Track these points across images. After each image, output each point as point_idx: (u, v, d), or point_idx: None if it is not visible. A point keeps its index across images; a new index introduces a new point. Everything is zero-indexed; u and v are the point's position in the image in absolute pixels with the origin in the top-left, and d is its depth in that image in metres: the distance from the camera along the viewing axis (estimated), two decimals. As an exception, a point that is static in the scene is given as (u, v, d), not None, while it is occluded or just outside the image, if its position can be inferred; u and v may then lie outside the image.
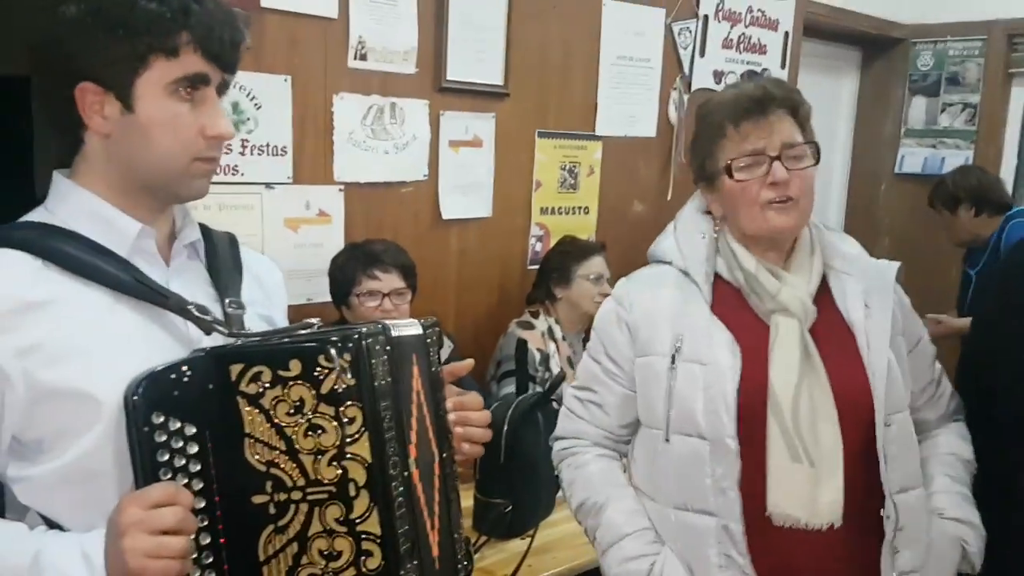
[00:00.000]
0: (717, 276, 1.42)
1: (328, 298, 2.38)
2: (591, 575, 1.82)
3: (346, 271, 2.27)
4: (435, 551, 1.10)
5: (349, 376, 1.00)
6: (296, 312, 2.34)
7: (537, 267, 2.90)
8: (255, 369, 0.99)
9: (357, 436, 1.00)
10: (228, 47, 1.04)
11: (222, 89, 1.07)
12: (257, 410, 1.00)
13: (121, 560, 0.91)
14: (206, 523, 0.99)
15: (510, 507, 1.80)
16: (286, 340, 1.04)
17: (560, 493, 1.86)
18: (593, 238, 3.21)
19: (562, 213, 3.12)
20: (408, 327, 1.12)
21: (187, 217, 1.16)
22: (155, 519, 0.92)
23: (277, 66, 2.34)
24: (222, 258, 1.20)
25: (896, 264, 1.42)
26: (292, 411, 0.99)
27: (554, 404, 1.95)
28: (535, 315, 2.75)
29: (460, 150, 2.78)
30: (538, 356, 2.63)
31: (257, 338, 1.08)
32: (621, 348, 1.47)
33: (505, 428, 1.81)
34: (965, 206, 3.22)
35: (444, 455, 1.16)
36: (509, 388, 2.58)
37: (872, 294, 1.37)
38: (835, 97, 4.39)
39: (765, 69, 3.68)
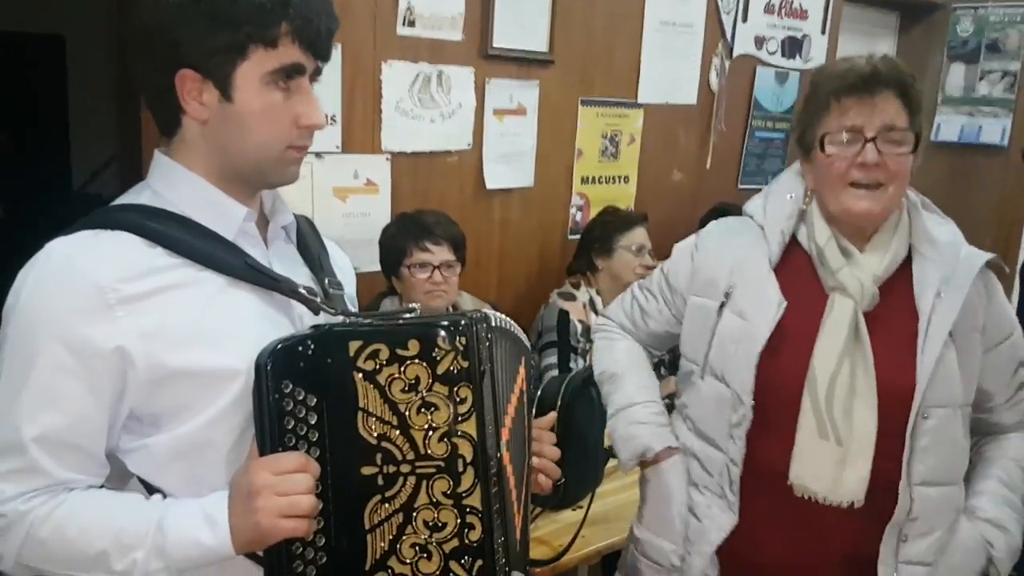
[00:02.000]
0: (796, 241, 1.43)
1: (376, 267, 2.39)
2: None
3: (397, 241, 2.28)
4: (517, 533, 1.14)
5: (463, 359, 1.03)
6: None
7: (577, 237, 2.90)
8: (374, 347, 1.02)
9: (467, 416, 1.04)
10: (324, 36, 1.04)
11: (315, 76, 1.08)
12: (372, 385, 1.03)
13: (252, 520, 0.96)
14: (319, 490, 1.02)
15: (563, 480, 1.82)
16: (399, 322, 1.08)
17: (609, 464, 1.93)
18: (632, 208, 3.20)
19: (602, 182, 3.11)
20: (509, 325, 1.17)
21: (278, 200, 1.17)
22: (288, 483, 0.96)
23: (329, 34, 2.32)
24: (311, 240, 1.23)
25: (986, 256, 1.37)
26: (407, 388, 1.03)
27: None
28: (576, 286, 2.76)
29: (504, 119, 2.77)
30: (580, 327, 2.64)
31: (366, 319, 1.11)
32: (680, 279, 1.55)
33: (559, 402, 1.82)
34: None
35: (527, 449, 1.22)
36: (551, 359, 2.60)
37: (949, 283, 1.33)
38: (872, 62, 4.32)
39: (805, 35, 3.63)
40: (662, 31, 3.11)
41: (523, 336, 1.23)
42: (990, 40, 4.20)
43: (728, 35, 3.31)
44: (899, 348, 1.32)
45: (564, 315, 2.65)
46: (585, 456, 1.91)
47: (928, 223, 1.40)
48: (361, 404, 1.03)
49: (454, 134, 2.65)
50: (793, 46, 3.58)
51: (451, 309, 2.36)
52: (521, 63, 2.75)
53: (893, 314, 1.35)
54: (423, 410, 1.03)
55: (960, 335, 1.32)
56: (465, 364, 1.02)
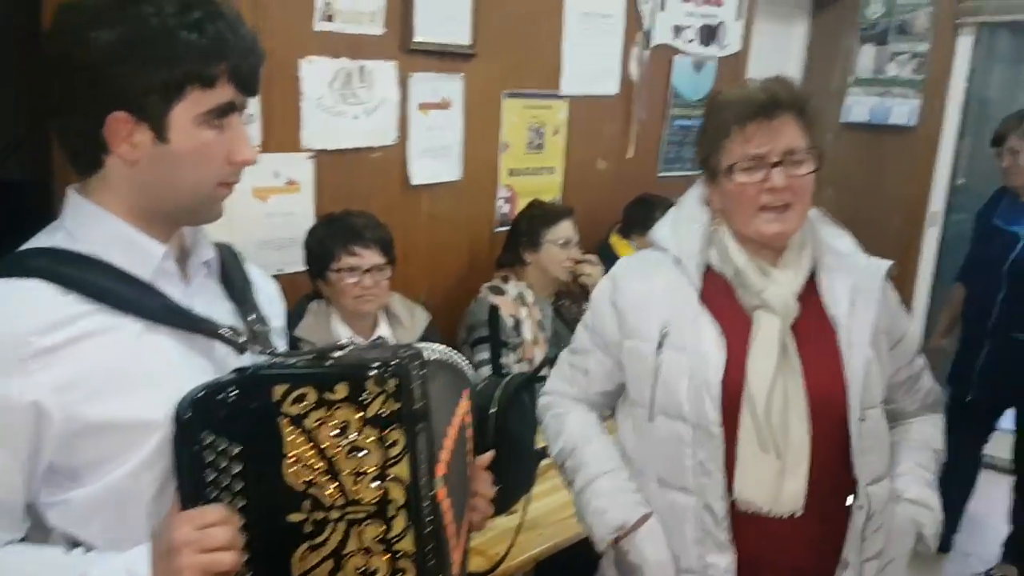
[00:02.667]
0: (708, 266, 1.47)
1: (301, 268, 2.35)
2: (577, 547, 1.90)
3: (325, 245, 2.24)
4: (455, 568, 1.14)
5: (394, 401, 1.02)
6: None
7: (506, 229, 2.91)
8: (300, 390, 1.00)
9: (399, 459, 1.03)
10: (256, 73, 1.02)
11: (243, 110, 1.05)
12: (299, 430, 1.01)
13: None
14: (244, 540, 1.00)
15: (497, 487, 1.84)
16: (328, 362, 1.05)
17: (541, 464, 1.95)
18: (559, 198, 3.23)
19: (529, 174, 3.11)
20: (447, 356, 1.16)
21: (199, 233, 1.14)
22: (209, 538, 0.94)
23: (244, 32, 2.25)
24: (234, 273, 1.19)
25: (887, 263, 1.46)
26: (336, 433, 1.01)
27: (539, 386, 1.98)
28: (505, 280, 2.77)
29: (429, 113, 2.74)
30: (510, 322, 2.66)
31: (293, 358, 1.08)
32: (607, 327, 1.54)
33: (492, 411, 1.83)
34: None
35: (466, 479, 1.23)
36: (483, 354, 2.61)
37: (859, 292, 1.40)
38: (785, 46, 4.41)
39: (721, 22, 3.68)
40: (583, 22, 3.11)
41: (463, 364, 1.22)
42: (899, 22, 4.33)
43: (647, 24, 3.34)
44: (823, 357, 1.38)
45: (494, 310, 2.66)
46: (519, 461, 1.92)
47: (827, 236, 1.47)
48: (287, 450, 1.00)
49: (378, 130, 2.61)
50: (709, 33, 3.63)
51: (382, 312, 2.34)
52: (444, 56, 2.72)
53: (811, 325, 1.40)
54: (352, 454, 1.01)
55: (876, 340, 1.40)
56: (396, 406, 1.00)
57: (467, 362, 1.24)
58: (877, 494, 1.39)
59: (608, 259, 3.18)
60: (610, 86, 3.31)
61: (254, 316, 1.15)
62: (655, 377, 1.44)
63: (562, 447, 1.62)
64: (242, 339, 1.07)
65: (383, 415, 1.01)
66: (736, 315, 1.42)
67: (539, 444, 2.03)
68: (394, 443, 1.02)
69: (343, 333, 2.27)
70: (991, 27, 4.12)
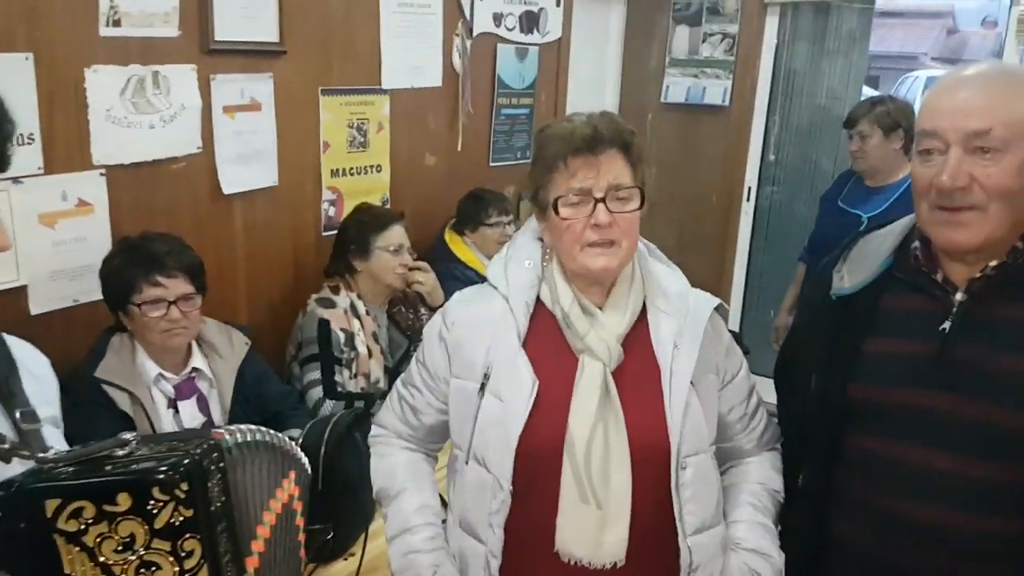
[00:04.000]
0: (540, 301, 1.42)
1: (99, 296, 2.12)
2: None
3: (123, 276, 2.02)
4: None
5: (185, 508, 0.91)
6: (63, 316, 2.12)
7: (333, 233, 2.76)
8: (75, 504, 0.89)
9: (197, 568, 0.94)
10: (3, 145, 0.87)
11: None
12: (78, 548, 0.90)
13: None
14: None
15: (331, 533, 1.74)
16: (107, 467, 0.93)
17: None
18: (388, 196, 3.11)
19: (354, 174, 2.97)
20: (260, 437, 1.09)
21: None
22: None
23: (16, 43, 1.99)
24: None
25: (714, 302, 1.43)
26: (121, 548, 0.91)
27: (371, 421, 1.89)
28: (335, 290, 2.63)
29: (236, 116, 2.54)
30: (342, 336, 2.53)
31: (67, 462, 0.95)
32: (438, 364, 1.48)
33: (322, 452, 1.72)
34: (899, 133, 2.93)
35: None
36: (314, 374, 2.47)
37: (684, 334, 1.37)
38: (605, 29, 4.45)
39: (542, 8, 3.65)
40: (400, 13, 2.98)
41: (284, 442, 1.12)
42: (711, 3, 4.46)
43: (467, 14, 3.25)
44: (647, 403, 1.35)
45: (324, 324, 2.52)
46: (355, 503, 1.83)
47: (659, 274, 1.44)
48: (67, 570, 0.90)
49: (180, 138, 2.39)
50: (531, 20, 3.59)
51: (196, 343, 2.15)
52: (250, 55, 2.52)
53: (637, 369, 1.37)
54: (143, 570, 0.91)
55: (699, 381, 1.37)
56: (189, 513, 0.91)
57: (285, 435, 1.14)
58: (702, 544, 1.36)
59: (443, 256, 3.11)
60: (433, 78, 3.20)
61: (21, 412, 0.99)
62: (475, 421, 1.39)
63: (379, 490, 1.56)
64: (5, 446, 0.93)
65: (175, 524, 0.91)
66: (564, 356, 1.38)
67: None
68: (190, 553, 0.92)
69: (151, 370, 2.07)
70: (795, 6, 4.32)
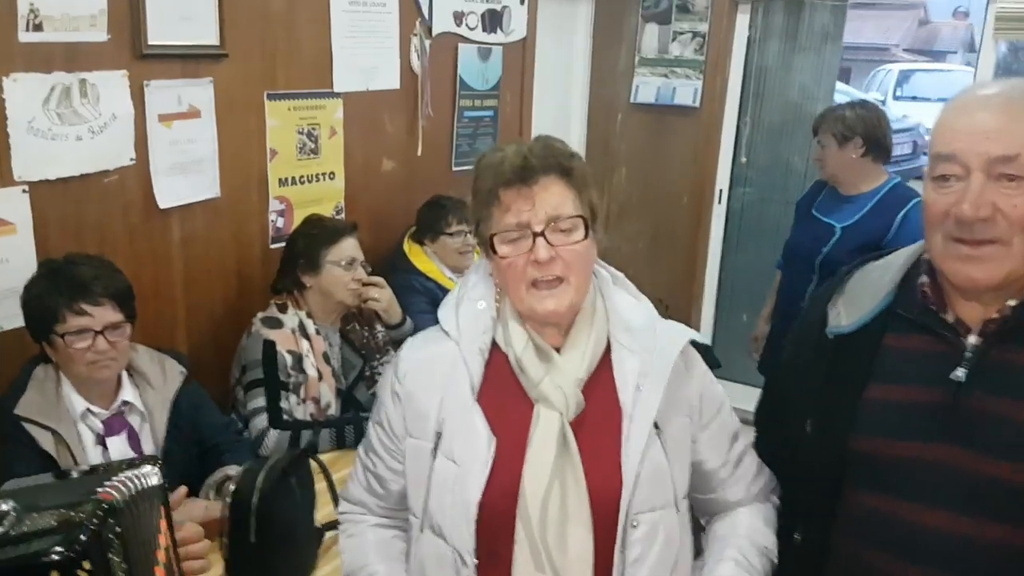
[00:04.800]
0: (495, 344, 1.29)
1: (21, 323, 1.95)
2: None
3: (45, 304, 1.85)
4: None
5: None
6: None
7: (282, 246, 2.61)
8: None
9: None
10: None
11: None
12: None
13: None
14: None
15: (268, 584, 1.61)
16: None
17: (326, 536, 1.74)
18: (342, 204, 2.96)
19: (305, 182, 2.81)
20: (143, 477, 1.01)
21: None
22: None
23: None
24: None
25: (686, 336, 1.29)
26: None
27: (310, 460, 1.75)
28: (283, 308, 2.47)
29: (174, 124, 2.37)
30: (289, 359, 2.38)
31: None
32: (394, 422, 1.34)
33: (255, 502, 1.58)
34: (856, 142, 2.85)
35: None
36: (258, 401, 2.32)
37: (648, 373, 1.24)
38: (571, 28, 4.31)
39: (505, 7, 3.51)
40: (352, 12, 2.82)
41: (150, 475, 1.03)
42: (680, 1, 4.34)
43: (425, 12, 3.09)
44: (607, 452, 1.22)
45: (270, 346, 2.37)
46: (295, 551, 1.70)
47: (622, 306, 1.31)
48: None
49: (110, 150, 2.22)
50: (493, 19, 3.44)
51: (124, 375, 1.99)
52: (187, 60, 2.36)
53: (600, 415, 1.24)
54: None
55: (665, 424, 1.24)
56: None
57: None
58: None
59: (403, 267, 2.97)
60: (391, 80, 3.05)
61: None
62: (428, 482, 1.26)
63: (349, 574, 1.40)
64: None
65: None
66: (520, 405, 1.25)
67: (320, 520, 1.82)
68: None
69: (78, 404, 1.91)
70: (766, 3, 4.21)
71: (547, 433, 1.21)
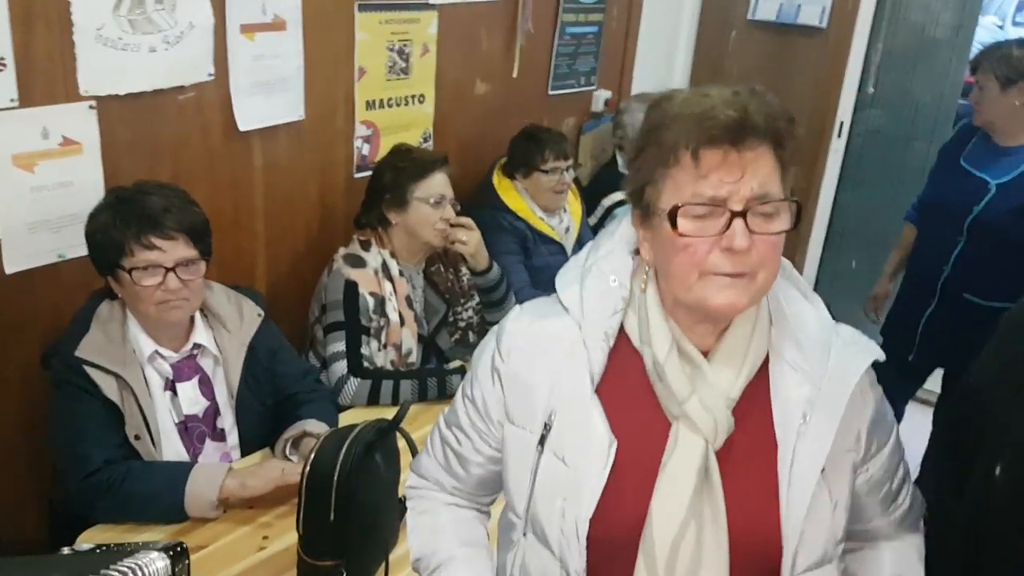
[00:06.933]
0: (626, 334, 1.05)
1: (85, 252, 1.78)
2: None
3: (112, 236, 1.69)
4: None
5: None
6: (46, 275, 1.82)
7: (367, 175, 2.39)
8: None
9: None
10: None
11: None
12: None
13: None
14: None
15: (343, 570, 1.45)
16: None
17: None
18: (430, 131, 2.72)
19: (393, 105, 2.57)
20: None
21: None
22: None
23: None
24: None
25: (868, 358, 1.03)
26: None
27: (399, 436, 1.56)
28: (366, 246, 2.28)
29: (256, 37, 2.15)
30: (371, 302, 2.20)
31: None
32: (491, 404, 1.13)
33: (336, 479, 1.41)
34: (1019, 87, 2.48)
35: None
36: (338, 345, 2.15)
37: (817, 403, 1.00)
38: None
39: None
40: (454, -89, 2.52)
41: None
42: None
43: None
44: (759, 491, 0.99)
45: (351, 287, 2.19)
46: (375, 535, 1.53)
47: (793, 310, 1.04)
48: None
49: (187, 64, 2.02)
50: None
51: (197, 316, 1.83)
52: (272, -37, 2.11)
53: (750, 445, 1.00)
54: None
55: (832, 466, 1.00)
56: None
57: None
58: None
59: (490, 202, 2.74)
60: (490, -11, 2.75)
61: None
62: (532, 482, 1.05)
63: (422, 555, 1.22)
64: None
65: None
66: (651, 412, 1.02)
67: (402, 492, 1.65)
68: None
69: (146, 347, 1.77)
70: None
71: (687, 460, 0.98)
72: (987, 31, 9.74)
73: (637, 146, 1.01)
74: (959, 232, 2.54)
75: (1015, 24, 10.67)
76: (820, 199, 4.08)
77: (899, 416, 3.02)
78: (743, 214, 0.92)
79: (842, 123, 3.95)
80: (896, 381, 2.26)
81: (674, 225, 0.94)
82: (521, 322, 1.12)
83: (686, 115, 0.93)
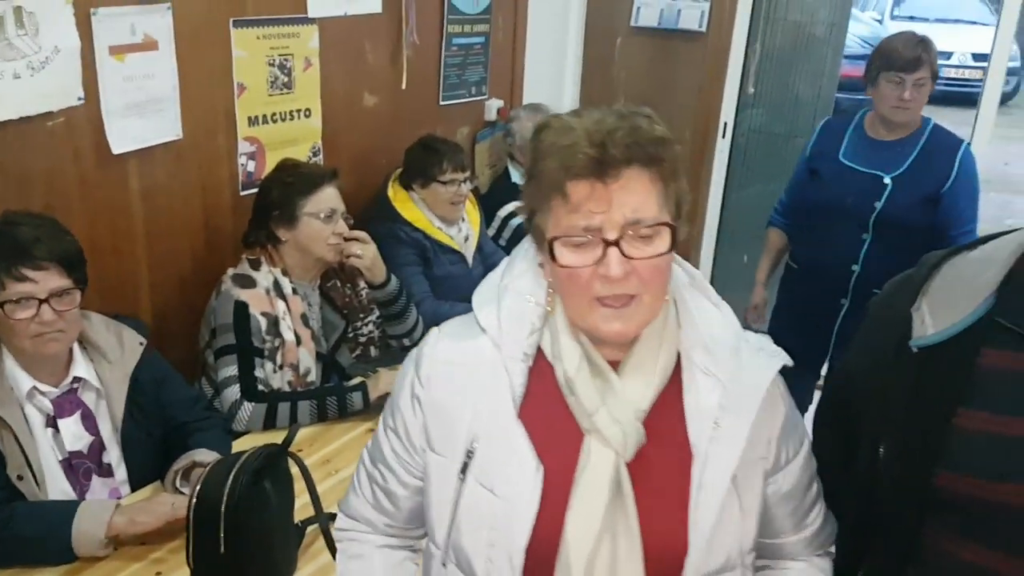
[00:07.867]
0: (543, 353, 1.06)
1: (-41, 287, 1.72)
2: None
3: (-21, 270, 1.62)
4: None
5: None
6: None
7: (254, 192, 2.35)
8: None
9: None
10: None
11: None
12: None
13: None
14: None
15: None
16: None
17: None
18: (319, 145, 2.69)
19: (278, 120, 2.54)
20: None
21: None
22: None
23: None
24: None
25: (776, 366, 1.05)
26: None
27: (289, 459, 1.54)
28: (256, 265, 2.24)
29: (127, 58, 2.09)
30: (263, 322, 2.16)
31: None
32: (413, 432, 1.11)
33: (223, 509, 1.38)
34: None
35: None
36: (230, 368, 2.11)
37: (728, 409, 1.01)
38: (571, -58, 3.97)
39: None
40: (329, -74, 2.51)
41: None
42: (684, -87, 3.99)
43: (410, -74, 2.77)
44: (671, 500, 1.01)
45: (241, 308, 2.15)
46: (271, 559, 1.51)
47: (701, 317, 1.05)
48: None
49: (54, 89, 1.95)
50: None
51: (78, 346, 1.77)
52: (140, -17, 2.06)
53: (662, 453, 1.02)
54: None
55: (744, 473, 1.02)
56: None
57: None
58: None
59: (386, 215, 2.73)
60: (372, 3, 2.75)
61: None
62: (454, 512, 1.04)
63: None
64: None
65: None
66: (567, 428, 1.02)
67: (299, 517, 1.64)
68: None
69: (24, 383, 1.70)
70: (779, -79, 3.88)
71: (598, 474, 0.99)
72: (866, 26, 10.22)
73: (527, 173, 1.03)
74: (864, 230, 2.53)
75: (893, 18, 11.18)
76: (710, 198, 4.22)
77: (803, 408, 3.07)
78: (616, 242, 0.94)
79: (726, 123, 4.08)
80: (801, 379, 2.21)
81: (553, 257, 0.96)
82: (439, 347, 1.10)
83: (555, 150, 0.96)
